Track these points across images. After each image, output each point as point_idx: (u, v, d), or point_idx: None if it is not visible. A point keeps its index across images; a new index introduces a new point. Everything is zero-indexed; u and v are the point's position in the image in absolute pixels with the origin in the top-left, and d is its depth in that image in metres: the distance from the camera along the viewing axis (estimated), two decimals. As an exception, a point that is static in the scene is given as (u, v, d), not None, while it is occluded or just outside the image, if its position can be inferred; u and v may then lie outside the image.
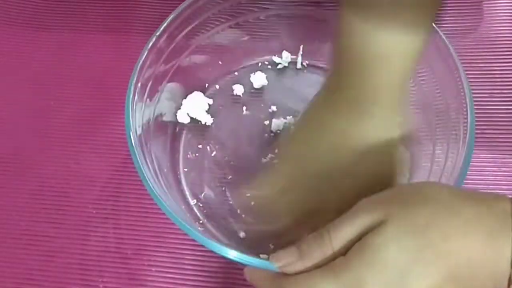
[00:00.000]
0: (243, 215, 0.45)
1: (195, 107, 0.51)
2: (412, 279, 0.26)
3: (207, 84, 0.53)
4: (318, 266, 0.29)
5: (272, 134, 0.50)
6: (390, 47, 0.33)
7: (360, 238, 0.28)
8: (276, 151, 0.46)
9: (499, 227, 0.26)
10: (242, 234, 0.45)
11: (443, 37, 0.42)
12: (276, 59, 0.54)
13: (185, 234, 0.35)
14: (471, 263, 0.26)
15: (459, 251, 0.26)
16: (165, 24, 0.44)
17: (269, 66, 0.54)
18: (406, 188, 0.32)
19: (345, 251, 0.28)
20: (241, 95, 0.52)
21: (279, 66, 0.54)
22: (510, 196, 0.28)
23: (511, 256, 0.26)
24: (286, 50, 0.54)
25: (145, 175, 0.37)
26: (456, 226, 0.27)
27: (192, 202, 0.46)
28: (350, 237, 0.28)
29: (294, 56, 0.54)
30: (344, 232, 0.29)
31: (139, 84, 0.42)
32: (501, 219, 0.27)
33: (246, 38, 0.53)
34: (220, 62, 0.53)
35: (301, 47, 0.53)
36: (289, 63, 0.54)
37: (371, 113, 0.35)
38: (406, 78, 0.35)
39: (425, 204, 0.28)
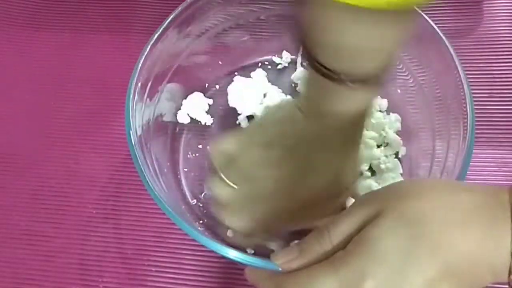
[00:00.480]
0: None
1: (195, 107, 0.51)
2: (411, 270, 0.26)
3: (207, 84, 0.53)
4: (318, 263, 0.29)
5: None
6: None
7: (358, 232, 0.28)
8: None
9: (498, 217, 0.26)
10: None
11: (443, 37, 0.42)
12: (276, 59, 0.54)
13: (185, 234, 0.35)
14: (470, 254, 0.26)
15: (458, 242, 0.26)
16: (165, 24, 0.44)
17: (269, 66, 0.54)
18: (403, 183, 0.32)
19: (345, 246, 0.28)
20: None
21: (279, 66, 0.54)
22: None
23: (511, 245, 0.26)
24: (286, 50, 0.54)
25: (145, 175, 0.37)
26: (454, 217, 0.27)
27: (192, 202, 0.46)
28: (349, 232, 0.28)
29: (294, 56, 0.54)
30: (342, 227, 0.29)
31: (139, 84, 0.42)
32: (500, 210, 0.26)
33: (246, 38, 0.53)
34: (220, 62, 0.53)
35: (301, 47, 0.53)
36: (289, 63, 0.54)
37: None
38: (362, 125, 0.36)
39: (422, 196, 0.28)
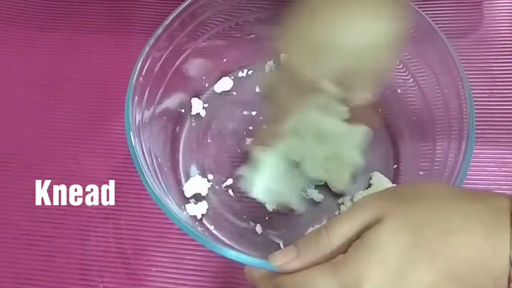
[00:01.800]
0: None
1: (195, 107, 0.51)
2: (411, 275, 0.26)
3: (206, 84, 0.53)
4: (317, 264, 0.29)
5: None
6: None
7: (358, 236, 0.28)
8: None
9: (498, 224, 0.26)
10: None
11: (443, 37, 0.42)
12: (276, 59, 0.54)
13: (185, 234, 0.35)
14: (470, 261, 0.26)
15: (458, 248, 0.26)
16: (165, 24, 0.44)
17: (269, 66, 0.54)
18: (404, 187, 0.32)
19: (344, 249, 0.28)
20: (241, 96, 0.52)
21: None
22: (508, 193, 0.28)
23: (511, 253, 0.26)
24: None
25: (145, 175, 0.37)
26: (454, 223, 0.27)
27: (192, 202, 0.46)
28: (349, 235, 0.28)
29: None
30: (342, 230, 0.29)
31: (139, 84, 0.42)
32: (500, 216, 0.27)
33: (246, 38, 0.53)
34: (220, 62, 0.53)
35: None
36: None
37: None
38: None
39: (423, 201, 0.28)
